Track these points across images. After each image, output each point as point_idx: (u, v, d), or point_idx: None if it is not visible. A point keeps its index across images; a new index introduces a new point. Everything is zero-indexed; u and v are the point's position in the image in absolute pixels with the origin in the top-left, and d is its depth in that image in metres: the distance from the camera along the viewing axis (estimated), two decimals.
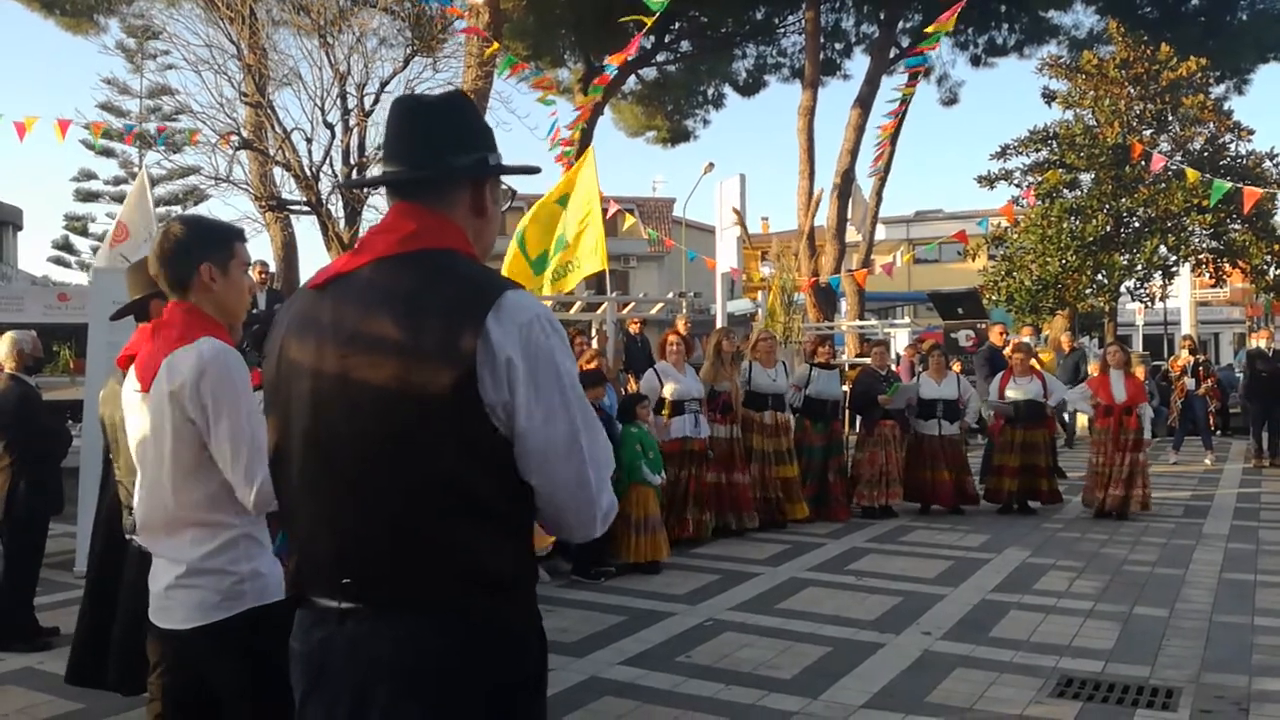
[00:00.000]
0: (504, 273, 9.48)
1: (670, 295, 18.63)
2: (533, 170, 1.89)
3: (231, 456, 2.33)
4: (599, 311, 11.14)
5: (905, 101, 15.64)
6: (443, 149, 1.72)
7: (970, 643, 5.37)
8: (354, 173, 13.94)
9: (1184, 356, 14.61)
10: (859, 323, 18.73)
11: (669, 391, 8.11)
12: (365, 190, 11.94)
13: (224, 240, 2.58)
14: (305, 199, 14.15)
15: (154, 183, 18.46)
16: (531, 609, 1.69)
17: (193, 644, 2.42)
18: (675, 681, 4.80)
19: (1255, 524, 9.00)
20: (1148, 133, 18.92)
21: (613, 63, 12.73)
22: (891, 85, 18.77)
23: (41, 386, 6.73)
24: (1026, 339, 13.56)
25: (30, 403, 5.77)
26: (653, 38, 20.76)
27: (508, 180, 1.85)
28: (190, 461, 2.38)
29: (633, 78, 22.57)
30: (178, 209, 27.65)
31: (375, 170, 2.06)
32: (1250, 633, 5.53)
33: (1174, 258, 19.26)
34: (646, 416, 7.52)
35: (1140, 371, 12.21)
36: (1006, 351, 11.01)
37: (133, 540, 3.15)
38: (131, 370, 2.57)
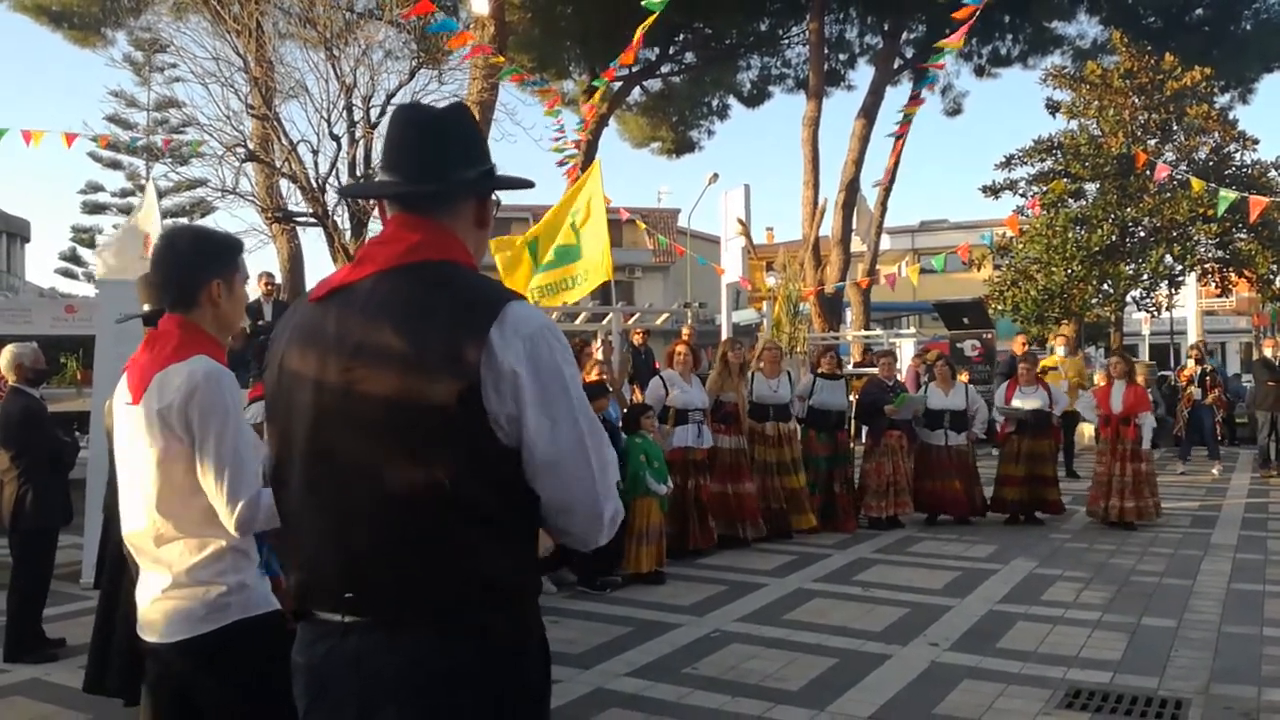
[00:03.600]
0: (504, 275, 9.57)
1: (675, 306, 18.66)
2: (528, 184, 1.90)
3: (215, 478, 2.33)
4: (604, 322, 11.15)
5: (909, 120, 15.66)
6: (451, 162, 1.73)
7: (978, 654, 5.35)
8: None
9: (1191, 366, 14.56)
10: (864, 333, 18.73)
11: (674, 400, 8.11)
12: (370, 201, 11.97)
13: (231, 255, 2.58)
14: (311, 210, 14.22)
15: (161, 195, 18.49)
16: (534, 619, 1.68)
17: (177, 657, 2.41)
18: (681, 693, 4.78)
19: (1263, 534, 8.96)
20: (1152, 142, 18.88)
21: (622, 63, 12.77)
22: (896, 97, 18.82)
23: (49, 398, 6.77)
24: (1060, 348, 13.58)
25: (33, 415, 5.78)
26: (657, 49, 20.82)
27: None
28: (178, 478, 2.37)
29: (637, 89, 22.64)
30: (185, 220, 27.75)
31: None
32: (1259, 643, 5.50)
33: (1180, 267, 19.21)
34: (651, 427, 7.52)
35: (1141, 378, 12.16)
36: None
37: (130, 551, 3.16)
38: (123, 380, 2.56)
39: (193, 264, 2.49)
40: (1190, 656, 5.26)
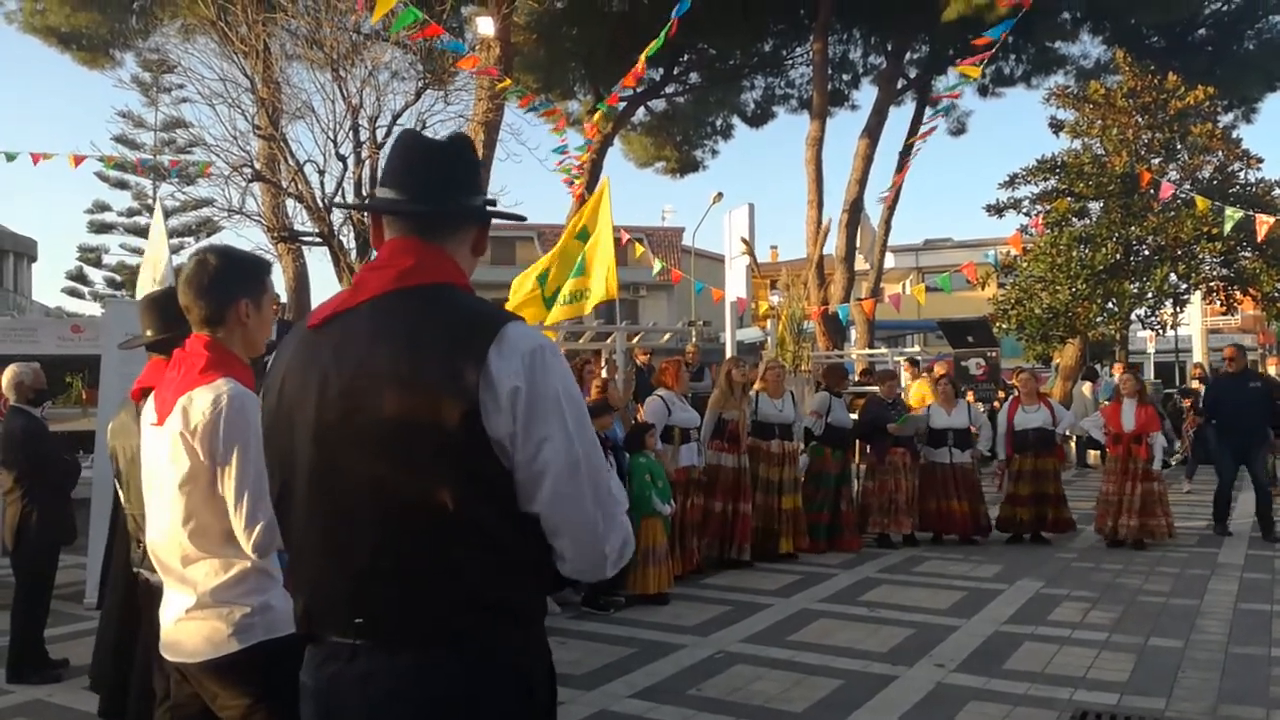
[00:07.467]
0: (512, 304, 9.58)
1: (679, 324, 18.66)
2: (522, 218, 1.99)
3: (234, 501, 2.34)
4: (608, 341, 11.16)
5: (917, 145, 15.69)
6: (460, 190, 1.77)
7: (984, 675, 5.32)
8: None
9: (1195, 385, 14.51)
10: (869, 351, 18.71)
11: (676, 419, 8.05)
12: (368, 219, 11.97)
13: (260, 276, 2.60)
14: (317, 230, 14.25)
15: (168, 214, 18.58)
16: (540, 641, 1.69)
17: (202, 678, 2.41)
18: (686, 715, 4.76)
19: (1270, 553, 8.92)
20: (1156, 161, 18.91)
21: (625, 86, 12.87)
22: (899, 116, 18.85)
23: (54, 418, 6.77)
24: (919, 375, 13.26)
25: (32, 434, 5.78)
26: (661, 70, 20.93)
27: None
28: (203, 498, 2.39)
29: (642, 109, 22.73)
30: (191, 240, 27.87)
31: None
32: (1267, 664, 5.47)
33: (1184, 286, 19.21)
34: (654, 445, 7.51)
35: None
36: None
37: (140, 573, 3.17)
38: (149, 402, 2.57)
39: (223, 283, 2.50)
40: (1198, 677, 5.22)
